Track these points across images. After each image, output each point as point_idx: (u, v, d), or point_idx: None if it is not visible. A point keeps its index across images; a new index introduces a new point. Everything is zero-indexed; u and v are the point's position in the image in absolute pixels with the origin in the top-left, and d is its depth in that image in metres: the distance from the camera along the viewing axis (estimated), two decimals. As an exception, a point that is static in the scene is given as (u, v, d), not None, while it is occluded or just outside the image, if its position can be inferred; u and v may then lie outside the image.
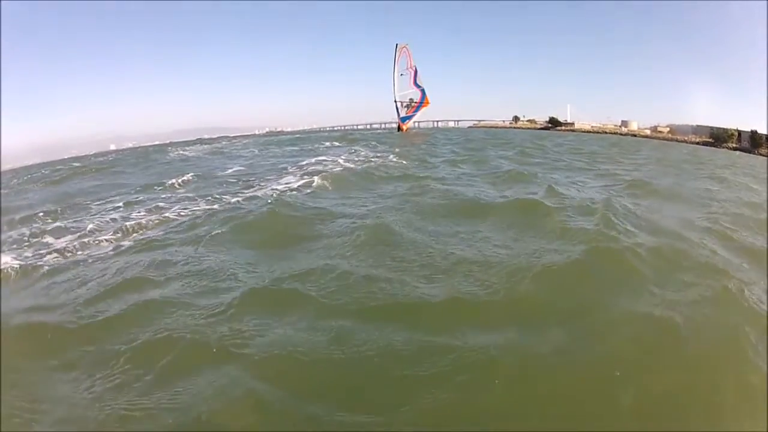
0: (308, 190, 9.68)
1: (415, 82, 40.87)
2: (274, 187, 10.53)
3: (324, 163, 15.06)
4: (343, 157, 16.92)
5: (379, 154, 17.65)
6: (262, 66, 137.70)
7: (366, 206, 8.05)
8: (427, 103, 41.07)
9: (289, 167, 14.46)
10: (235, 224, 6.82)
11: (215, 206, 8.58)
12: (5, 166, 35.63)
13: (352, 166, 13.75)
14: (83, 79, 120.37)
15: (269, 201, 8.25)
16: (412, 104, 41.45)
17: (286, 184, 10.87)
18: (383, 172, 12.24)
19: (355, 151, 19.94)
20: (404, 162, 15.08)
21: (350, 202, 8.51)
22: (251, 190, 10.49)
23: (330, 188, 9.97)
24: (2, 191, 15.52)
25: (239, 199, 9.18)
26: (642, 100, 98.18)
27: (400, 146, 23.52)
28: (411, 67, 40.40)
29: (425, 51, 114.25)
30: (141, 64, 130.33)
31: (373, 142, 25.55)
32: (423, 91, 40.79)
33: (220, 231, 6.48)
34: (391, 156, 16.74)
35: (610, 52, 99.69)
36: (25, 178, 20.70)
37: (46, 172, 22.37)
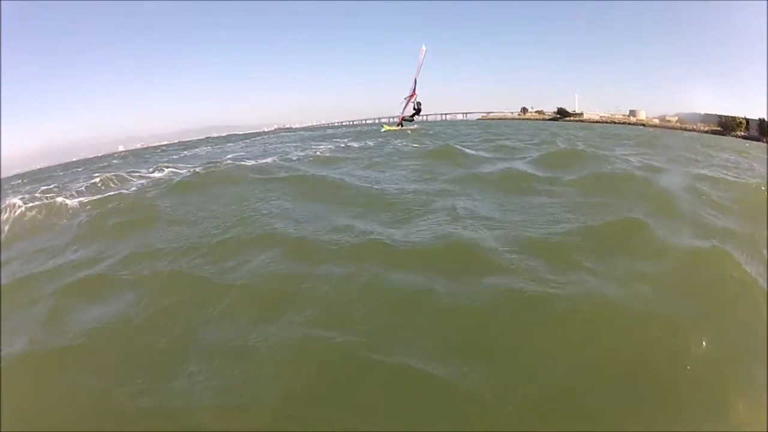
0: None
1: (415, 78, 41.58)
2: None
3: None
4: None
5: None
6: (271, 63, 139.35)
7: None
8: (414, 95, 41.92)
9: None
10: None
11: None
12: (12, 171, 37.33)
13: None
14: (92, 81, 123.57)
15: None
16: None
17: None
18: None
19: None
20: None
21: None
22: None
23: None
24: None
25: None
26: (651, 90, 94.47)
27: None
28: (420, 65, 41.17)
29: (435, 43, 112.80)
30: (149, 65, 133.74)
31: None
32: (415, 83, 41.68)
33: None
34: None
35: (619, 42, 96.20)
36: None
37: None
